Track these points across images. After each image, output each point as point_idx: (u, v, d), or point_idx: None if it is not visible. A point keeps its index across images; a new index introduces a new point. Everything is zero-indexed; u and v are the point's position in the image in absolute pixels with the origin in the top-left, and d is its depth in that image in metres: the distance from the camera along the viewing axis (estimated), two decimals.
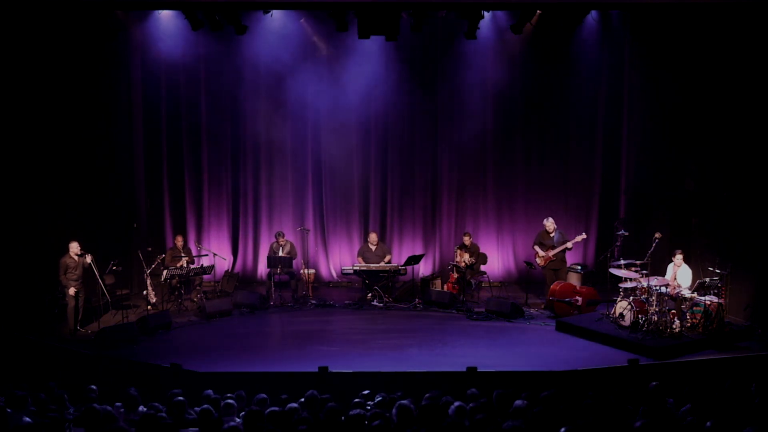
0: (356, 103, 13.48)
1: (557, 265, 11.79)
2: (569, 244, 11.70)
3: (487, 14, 11.95)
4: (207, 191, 13.69)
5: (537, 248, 11.95)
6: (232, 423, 5.52)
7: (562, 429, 5.26)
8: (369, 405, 6.50)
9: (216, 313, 11.35)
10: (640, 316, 9.91)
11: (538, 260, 11.95)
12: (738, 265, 10.56)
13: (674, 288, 9.96)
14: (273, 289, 12.22)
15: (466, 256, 12.24)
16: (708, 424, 5.44)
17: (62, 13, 10.59)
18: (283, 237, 12.55)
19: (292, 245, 12.62)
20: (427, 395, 6.58)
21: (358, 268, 12.40)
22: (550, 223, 11.87)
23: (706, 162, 11.65)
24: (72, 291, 10.30)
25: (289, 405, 6.09)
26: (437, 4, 11.38)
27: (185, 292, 11.97)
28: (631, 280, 10.45)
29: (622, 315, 10.15)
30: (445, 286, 12.63)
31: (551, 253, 11.74)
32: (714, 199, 11.42)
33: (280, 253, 12.36)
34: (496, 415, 5.86)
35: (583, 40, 12.71)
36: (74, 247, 10.33)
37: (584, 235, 11.97)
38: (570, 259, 12.57)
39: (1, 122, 10.56)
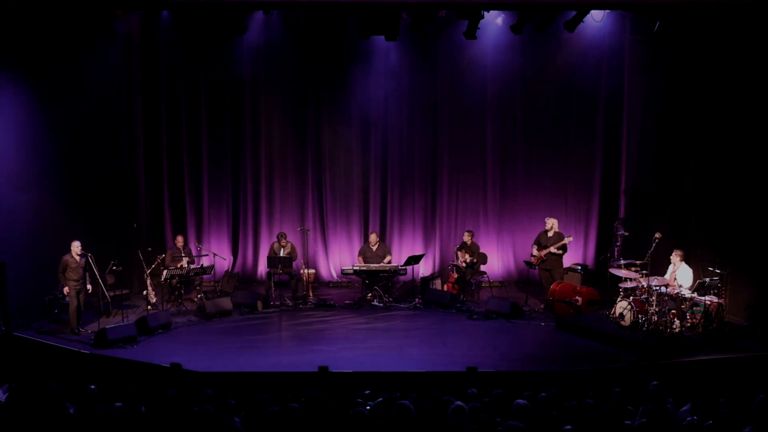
0: (356, 102, 13.51)
1: (550, 266, 11.76)
2: (553, 249, 11.66)
3: (486, 14, 11.94)
4: (207, 191, 13.70)
5: (534, 247, 11.96)
6: (232, 423, 5.52)
7: (566, 427, 5.26)
8: (369, 405, 6.50)
9: (216, 313, 11.35)
10: (640, 316, 9.91)
11: (532, 259, 11.97)
12: (738, 265, 10.56)
13: (674, 288, 9.96)
14: (273, 289, 12.22)
15: (467, 256, 12.25)
16: (708, 423, 5.45)
17: (62, 13, 10.58)
18: (285, 238, 12.54)
19: (293, 247, 12.61)
20: (427, 395, 6.58)
21: (357, 268, 12.40)
22: (549, 222, 11.87)
23: (706, 162, 11.64)
24: (66, 290, 10.30)
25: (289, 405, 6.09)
26: (437, 4, 11.37)
27: (185, 292, 11.97)
28: (631, 280, 10.45)
29: (622, 315, 10.15)
30: (445, 286, 12.63)
31: (542, 252, 11.75)
32: (714, 199, 11.42)
33: (281, 254, 12.35)
34: (496, 415, 5.86)
35: (583, 40, 12.69)
36: (76, 247, 10.32)
37: (571, 238, 11.91)
38: (570, 259, 12.58)
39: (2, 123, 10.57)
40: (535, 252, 11.89)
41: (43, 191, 11.17)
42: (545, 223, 11.94)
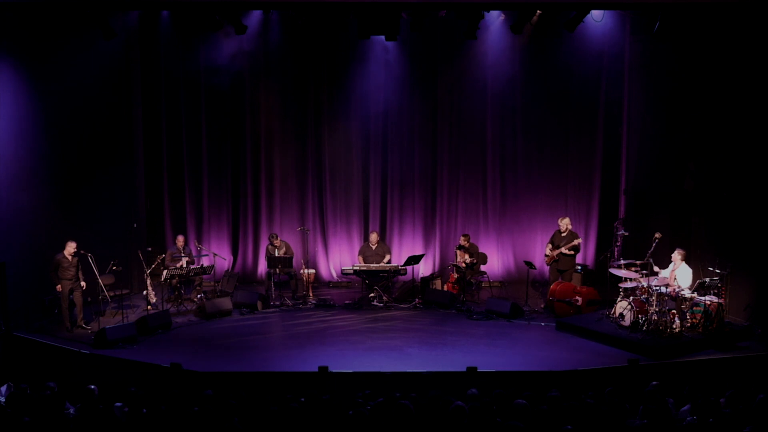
0: (356, 102, 13.51)
1: (564, 267, 11.74)
2: (564, 249, 11.67)
3: (487, 14, 11.94)
4: (207, 191, 13.69)
5: (548, 246, 11.96)
6: (232, 423, 5.52)
7: (567, 427, 5.26)
8: (369, 405, 6.50)
9: (216, 313, 11.35)
10: (640, 316, 9.92)
11: (545, 258, 11.98)
12: (738, 265, 10.55)
13: (674, 288, 9.96)
14: (273, 289, 12.21)
15: (467, 256, 12.25)
16: (708, 422, 5.44)
17: (61, 11, 10.59)
18: (278, 239, 12.50)
19: (287, 246, 12.58)
20: (427, 395, 6.58)
21: (358, 268, 12.39)
22: (562, 223, 11.84)
23: (706, 162, 11.65)
24: (59, 287, 10.32)
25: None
26: (437, 4, 11.38)
27: (185, 292, 11.97)
28: (631, 280, 10.45)
29: (622, 315, 10.16)
30: (445, 286, 12.63)
31: (554, 252, 11.75)
32: (714, 199, 11.42)
33: (277, 254, 12.34)
34: (496, 415, 5.86)
35: (583, 39, 12.67)
36: (70, 247, 10.35)
37: (580, 239, 11.92)
38: None
39: (2, 123, 10.57)
40: (548, 252, 11.90)
41: (43, 191, 11.17)
42: (559, 224, 11.88)
